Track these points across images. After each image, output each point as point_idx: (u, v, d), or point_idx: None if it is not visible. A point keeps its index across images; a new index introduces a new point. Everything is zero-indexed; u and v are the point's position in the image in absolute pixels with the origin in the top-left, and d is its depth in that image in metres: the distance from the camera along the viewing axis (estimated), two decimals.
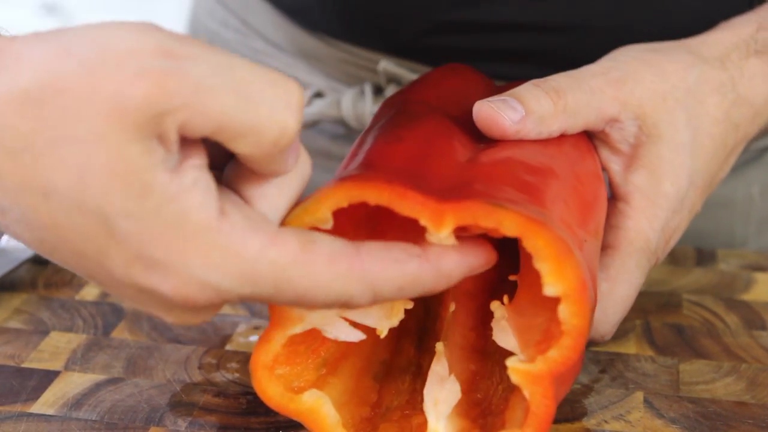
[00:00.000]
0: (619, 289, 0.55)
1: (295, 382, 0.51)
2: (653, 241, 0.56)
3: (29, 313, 0.65)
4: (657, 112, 0.56)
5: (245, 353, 0.61)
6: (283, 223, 0.46)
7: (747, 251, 0.74)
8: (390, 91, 0.75)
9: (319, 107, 0.78)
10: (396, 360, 0.55)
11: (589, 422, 0.55)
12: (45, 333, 0.63)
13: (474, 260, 0.47)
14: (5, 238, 0.71)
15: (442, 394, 0.51)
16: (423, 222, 0.46)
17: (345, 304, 0.44)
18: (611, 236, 0.56)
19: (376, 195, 0.46)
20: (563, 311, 0.46)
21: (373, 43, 0.76)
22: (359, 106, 0.76)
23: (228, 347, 0.61)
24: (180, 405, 0.56)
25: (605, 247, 0.56)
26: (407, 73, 0.74)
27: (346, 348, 0.53)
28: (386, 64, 0.74)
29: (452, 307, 0.55)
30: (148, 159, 0.39)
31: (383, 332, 0.50)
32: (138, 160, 0.39)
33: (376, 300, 0.44)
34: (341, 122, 0.78)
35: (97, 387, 0.58)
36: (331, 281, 0.43)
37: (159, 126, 0.39)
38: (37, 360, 0.60)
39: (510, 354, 0.49)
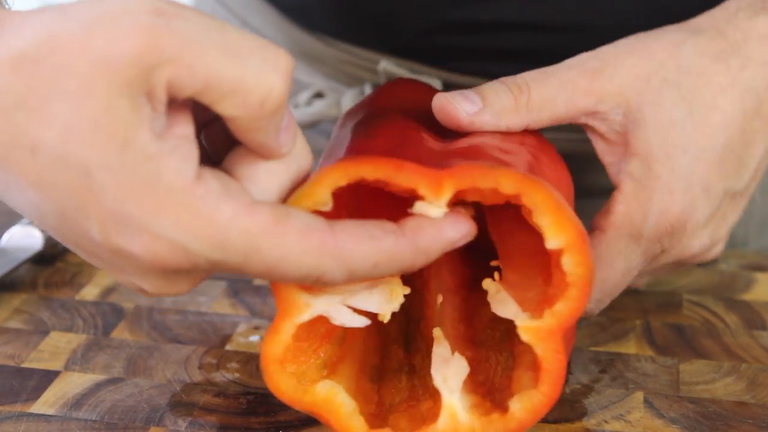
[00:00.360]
0: (602, 272, 0.55)
1: (302, 380, 0.51)
2: (646, 226, 0.55)
3: (29, 313, 0.65)
4: (640, 95, 0.55)
5: (245, 353, 0.61)
6: None
7: (747, 251, 0.74)
8: None
9: (319, 107, 0.78)
10: (387, 363, 0.56)
11: (589, 422, 0.55)
12: (45, 333, 0.63)
13: (453, 233, 0.46)
14: (5, 238, 0.71)
15: (449, 371, 0.51)
16: (422, 191, 0.47)
17: (318, 280, 0.44)
18: (603, 220, 0.55)
19: (373, 170, 0.47)
20: (567, 262, 0.47)
21: (372, 43, 0.76)
22: None
23: (228, 347, 0.61)
24: (180, 405, 0.56)
25: (594, 230, 0.56)
26: (407, 73, 0.74)
27: (341, 351, 0.53)
28: (386, 65, 0.74)
29: (440, 298, 0.56)
30: (134, 115, 0.40)
31: (386, 317, 0.50)
32: (124, 115, 0.40)
33: (351, 277, 0.44)
34: None
35: (97, 387, 0.58)
36: (301, 254, 0.43)
37: (148, 81, 0.40)
38: (37, 360, 0.60)
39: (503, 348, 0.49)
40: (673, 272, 0.63)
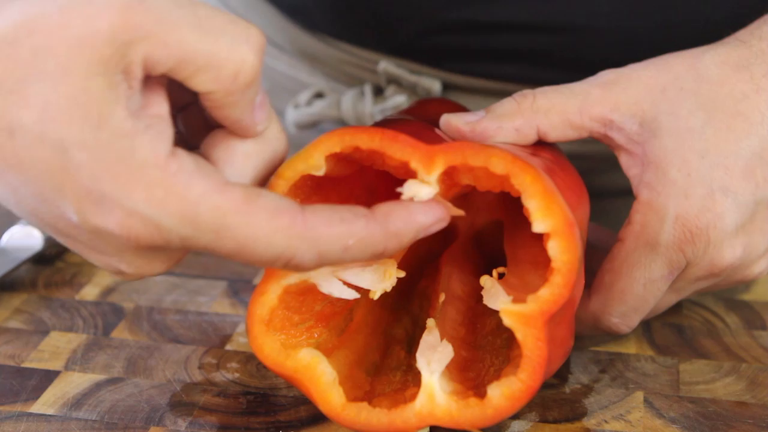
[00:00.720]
0: (621, 282, 0.55)
1: (286, 346, 0.51)
2: (663, 233, 0.54)
3: (29, 313, 0.65)
4: (656, 105, 0.54)
5: (245, 353, 0.61)
6: (277, 172, 0.48)
7: None
8: (390, 91, 0.75)
9: (319, 107, 0.78)
10: (386, 362, 0.56)
11: (589, 422, 0.55)
12: (45, 333, 0.63)
13: (424, 218, 0.46)
14: (5, 238, 0.70)
15: (434, 356, 0.51)
16: (413, 164, 0.47)
17: (288, 262, 0.44)
18: (622, 231, 0.55)
19: (368, 139, 0.48)
20: (552, 248, 0.47)
21: (372, 44, 0.76)
22: (359, 106, 0.76)
23: (228, 347, 0.61)
24: (180, 405, 0.56)
25: (617, 241, 0.56)
26: (407, 73, 0.74)
27: (339, 342, 0.54)
28: (386, 65, 0.74)
29: (442, 297, 0.56)
30: (110, 93, 0.41)
31: (376, 294, 0.51)
32: (100, 93, 0.41)
33: (322, 260, 0.44)
34: (341, 122, 0.78)
35: (97, 387, 0.58)
36: (271, 234, 0.43)
37: (124, 58, 0.41)
38: (37, 360, 0.60)
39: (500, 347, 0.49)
40: (718, 290, 0.61)
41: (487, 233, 0.61)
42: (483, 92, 0.74)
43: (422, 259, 0.59)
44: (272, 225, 0.43)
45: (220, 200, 0.42)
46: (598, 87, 0.55)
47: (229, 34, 0.43)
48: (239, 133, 0.46)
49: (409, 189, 0.47)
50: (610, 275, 0.56)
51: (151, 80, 0.43)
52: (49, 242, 0.71)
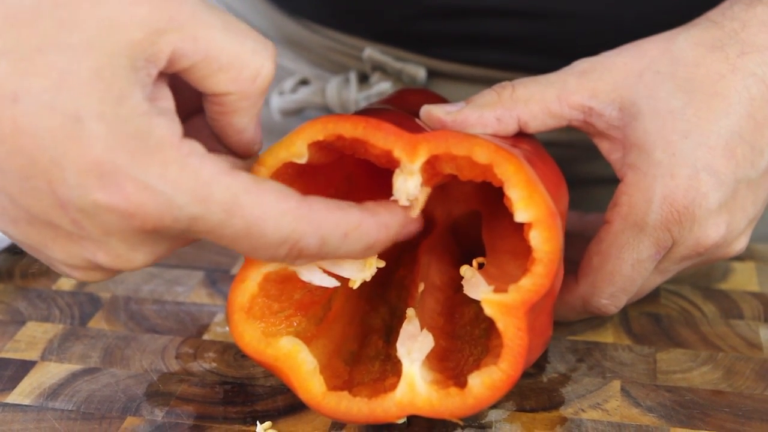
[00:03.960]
0: (609, 264, 0.55)
1: (267, 334, 0.51)
2: (650, 213, 0.54)
3: (6, 303, 0.65)
4: (633, 90, 0.55)
5: (222, 343, 0.60)
6: (258, 159, 0.49)
7: None
8: (375, 78, 0.75)
9: (304, 94, 0.78)
10: (365, 351, 0.56)
11: (566, 411, 0.55)
12: (21, 323, 0.63)
13: (402, 215, 0.48)
14: None
15: (415, 346, 0.51)
16: (397, 153, 0.48)
17: (293, 246, 0.45)
18: (609, 213, 0.56)
19: (351, 128, 0.48)
20: (534, 238, 0.47)
21: (357, 30, 0.75)
22: (344, 93, 0.76)
23: (205, 337, 0.61)
24: (157, 395, 0.56)
25: (604, 223, 0.56)
26: (392, 60, 0.74)
27: (318, 331, 0.54)
28: (371, 52, 0.74)
29: (422, 286, 0.56)
30: (132, 74, 0.42)
31: (356, 284, 0.51)
32: (123, 72, 0.42)
33: (324, 247, 0.45)
34: (326, 110, 0.78)
35: (74, 377, 0.57)
36: (280, 216, 0.44)
37: (153, 45, 0.42)
38: (13, 350, 0.60)
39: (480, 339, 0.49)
40: (700, 269, 0.61)
41: (463, 224, 0.61)
42: (468, 79, 0.74)
43: (399, 249, 0.59)
44: (280, 207, 0.44)
45: (231, 181, 0.43)
46: (574, 76, 0.56)
47: (251, 39, 0.45)
48: (236, 148, 0.47)
49: (398, 183, 0.48)
50: (598, 257, 0.56)
51: (159, 77, 0.44)
52: None
